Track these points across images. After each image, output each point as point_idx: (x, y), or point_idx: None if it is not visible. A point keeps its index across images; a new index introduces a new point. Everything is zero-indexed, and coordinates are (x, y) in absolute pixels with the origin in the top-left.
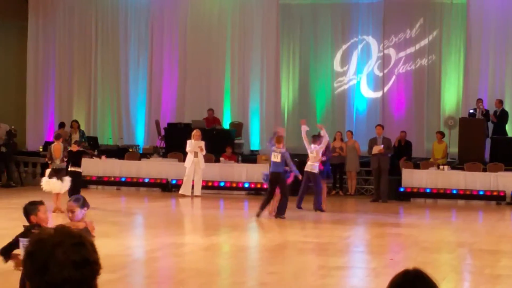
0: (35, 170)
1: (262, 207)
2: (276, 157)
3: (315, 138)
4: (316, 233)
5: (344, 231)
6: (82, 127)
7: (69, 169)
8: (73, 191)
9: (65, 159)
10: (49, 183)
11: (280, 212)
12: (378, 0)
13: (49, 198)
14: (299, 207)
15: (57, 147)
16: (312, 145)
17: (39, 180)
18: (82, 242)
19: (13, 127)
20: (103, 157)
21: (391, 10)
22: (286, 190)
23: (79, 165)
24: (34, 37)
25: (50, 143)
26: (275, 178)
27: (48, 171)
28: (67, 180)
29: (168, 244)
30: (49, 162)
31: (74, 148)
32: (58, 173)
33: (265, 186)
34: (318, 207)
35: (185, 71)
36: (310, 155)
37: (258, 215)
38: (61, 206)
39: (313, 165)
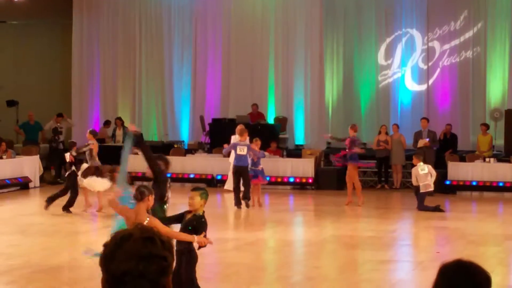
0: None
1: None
2: (241, 150)
3: None
4: (362, 227)
5: (390, 224)
6: (127, 124)
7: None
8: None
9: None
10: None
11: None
12: None
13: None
14: None
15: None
16: None
17: None
18: (152, 238)
19: (58, 124)
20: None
21: (434, 3)
22: (249, 182)
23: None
24: (78, 35)
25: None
26: (240, 171)
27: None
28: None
29: (214, 239)
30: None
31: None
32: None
33: (310, 181)
34: None
35: (229, 66)
36: None
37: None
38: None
39: None
